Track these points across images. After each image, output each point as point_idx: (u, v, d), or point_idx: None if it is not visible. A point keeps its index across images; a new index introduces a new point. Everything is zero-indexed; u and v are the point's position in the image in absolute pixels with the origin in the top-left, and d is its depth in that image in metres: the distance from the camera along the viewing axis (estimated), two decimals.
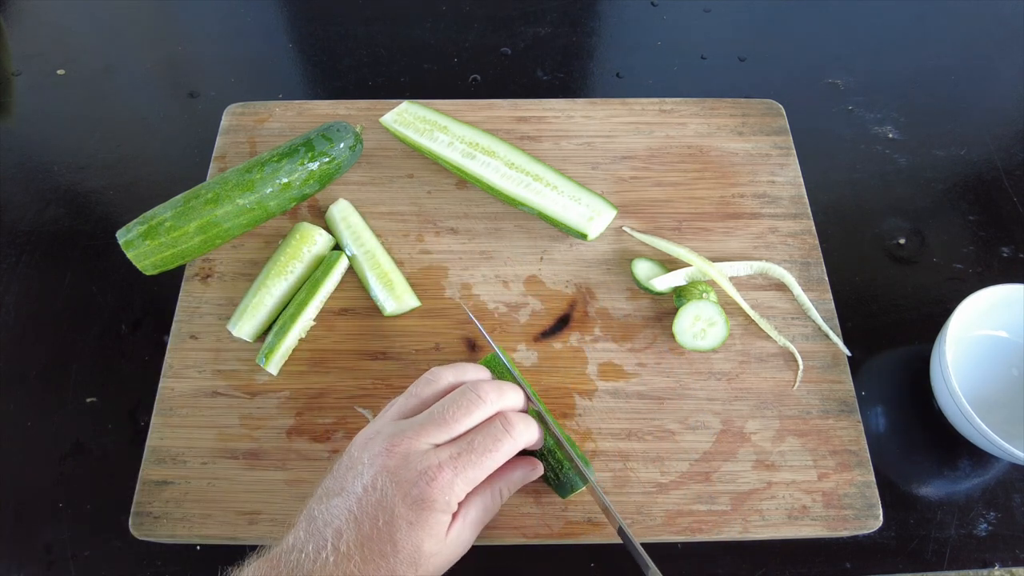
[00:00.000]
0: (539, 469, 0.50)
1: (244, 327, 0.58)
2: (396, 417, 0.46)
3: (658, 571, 0.45)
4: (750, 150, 0.69)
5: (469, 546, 0.46)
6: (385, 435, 0.44)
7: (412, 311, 0.61)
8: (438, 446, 0.43)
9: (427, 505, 0.41)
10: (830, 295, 0.61)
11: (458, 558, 0.45)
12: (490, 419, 0.45)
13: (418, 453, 0.43)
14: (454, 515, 0.43)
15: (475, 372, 0.49)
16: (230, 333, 0.58)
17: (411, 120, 0.68)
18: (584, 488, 0.51)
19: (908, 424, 0.59)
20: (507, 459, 0.45)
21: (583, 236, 0.61)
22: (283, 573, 0.40)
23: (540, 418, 0.50)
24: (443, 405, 0.45)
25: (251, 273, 0.62)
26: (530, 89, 0.80)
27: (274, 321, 0.59)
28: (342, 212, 0.64)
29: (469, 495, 0.45)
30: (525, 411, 0.49)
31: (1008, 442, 0.50)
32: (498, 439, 0.44)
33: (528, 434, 0.46)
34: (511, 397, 0.47)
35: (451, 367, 0.49)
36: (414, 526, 0.41)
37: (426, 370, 0.49)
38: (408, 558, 0.41)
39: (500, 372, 0.52)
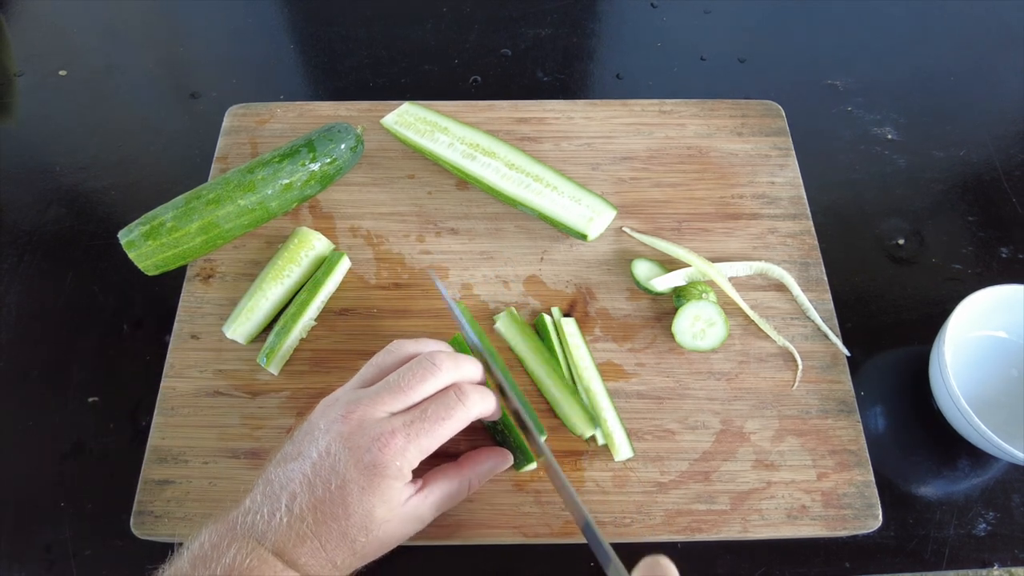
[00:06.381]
0: (509, 460, 0.51)
1: (239, 330, 0.58)
2: (356, 386, 0.48)
3: (620, 564, 0.42)
4: (750, 151, 0.69)
5: (426, 524, 0.47)
6: (343, 403, 0.45)
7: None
8: (393, 415, 0.44)
9: (379, 470, 0.42)
10: (829, 295, 0.62)
11: (414, 532, 0.46)
12: (445, 389, 0.46)
13: (373, 420, 0.44)
14: (419, 490, 0.45)
15: (435, 345, 0.50)
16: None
17: (412, 121, 0.68)
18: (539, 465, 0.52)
19: (907, 424, 0.59)
20: (461, 428, 0.45)
21: (583, 236, 0.61)
22: (238, 534, 0.41)
23: (501, 391, 0.50)
24: (399, 374, 0.46)
25: (252, 273, 0.62)
26: (530, 90, 0.80)
27: (274, 321, 0.59)
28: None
29: (436, 475, 0.46)
30: (483, 383, 0.50)
31: (1007, 442, 0.50)
32: (451, 407, 0.45)
33: (483, 405, 0.47)
34: (468, 369, 0.48)
35: (412, 340, 0.50)
36: (366, 491, 0.42)
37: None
38: (359, 522, 0.42)
39: (466, 351, 0.53)
